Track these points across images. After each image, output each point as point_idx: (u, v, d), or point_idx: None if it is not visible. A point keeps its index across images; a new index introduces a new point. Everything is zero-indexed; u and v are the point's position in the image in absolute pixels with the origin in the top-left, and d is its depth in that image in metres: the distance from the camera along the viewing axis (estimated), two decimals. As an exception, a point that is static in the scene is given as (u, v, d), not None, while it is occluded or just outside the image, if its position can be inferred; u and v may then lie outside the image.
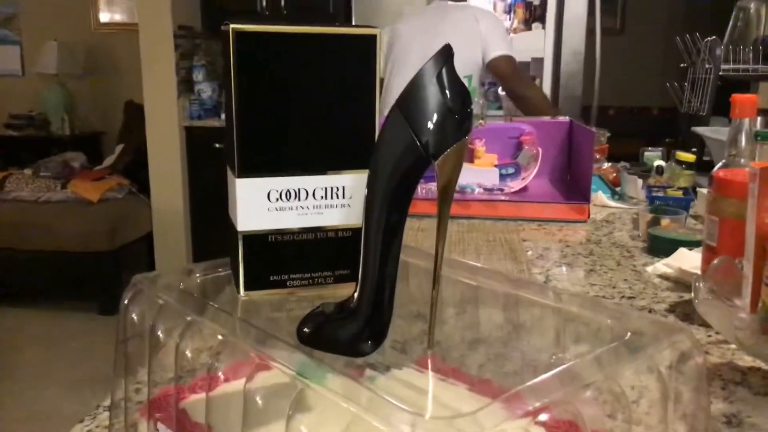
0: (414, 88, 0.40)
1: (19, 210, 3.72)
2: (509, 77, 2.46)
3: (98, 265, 3.57)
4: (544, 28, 3.07)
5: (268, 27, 0.48)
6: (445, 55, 0.40)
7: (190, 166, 3.77)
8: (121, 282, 3.60)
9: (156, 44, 3.61)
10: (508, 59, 2.43)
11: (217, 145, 3.60)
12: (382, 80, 2.54)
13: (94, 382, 2.81)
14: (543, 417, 0.39)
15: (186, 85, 3.78)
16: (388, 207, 0.41)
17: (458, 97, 0.40)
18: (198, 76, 3.81)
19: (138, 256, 3.86)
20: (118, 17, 4.90)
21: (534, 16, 3.15)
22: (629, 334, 0.49)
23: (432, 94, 0.40)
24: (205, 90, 3.82)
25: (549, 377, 0.42)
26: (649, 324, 0.50)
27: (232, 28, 0.47)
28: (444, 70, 0.40)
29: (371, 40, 0.50)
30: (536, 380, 0.41)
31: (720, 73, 1.75)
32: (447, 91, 0.40)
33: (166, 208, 3.78)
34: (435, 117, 0.40)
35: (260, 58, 0.48)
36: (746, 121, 0.98)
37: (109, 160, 4.34)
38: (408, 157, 0.40)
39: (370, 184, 0.41)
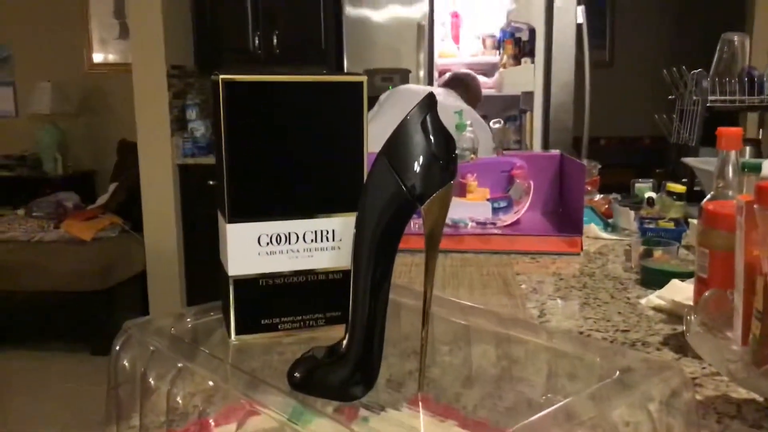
0: (399, 135, 0.41)
1: (12, 250, 3.70)
2: None
3: (91, 305, 3.55)
4: (533, 62, 3.11)
5: (256, 77, 0.49)
6: (429, 102, 0.41)
7: (184, 203, 3.78)
8: (114, 322, 3.57)
9: (149, 84, 3.64)
10: None
11: (211, 183, 3.61)
12: None
13: (85, 425, 2.77)
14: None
15: (179, 123, 3.81)
16: (376, 252, 0.41)
17: (443, 142, 0.41)
18: (191, 114, 3.84)
19: (131, 296, 3.84)
20: (111, 57, 4.95)
21: (523, 51, 3.20)
22: (619, 371, 0.49)
23: (417, 141, 0.41)
24: (199, 128, 3.84)
25: (543, 416, 0.42)
26: (639, 361, 0.50)
27: (222, 78, 0.48)
28: (428, 117, 0.41)
29: (359, 87, 0.51)
30: (531, 419, 0.41)
31: (707, 105, 1.77)
32: (431, 137, 0.41)
33: (160, 247, 3.77)
34: (420, 163, 0.41)
35: (249, 107, 0.49)
36: (732, 153, 0.99)
37: (102, 199, 4.34)
38: (394, 202, 0.41)
39: (358, 230, 0.42)
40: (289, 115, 0.50)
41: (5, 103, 5.10)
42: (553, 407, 0.44)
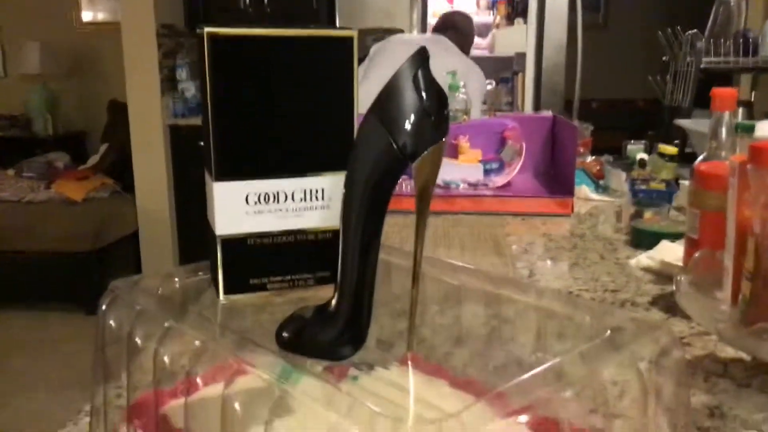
0: (390, 91, 0.40)
1: (2, 211, 3.68)
2: None
3: (83, 266, 3.55)
4: (526, 23, 3.08)
5: (242, 30, 0.48)
6: (421, 57, 0.40)
7: (175, 164, 3.75)
8: (107, 282, 3.56)
9: (139, 43, 3.59)
10: None
11: (202, 143, 3.57)
12: None
13: (81, 385, 2.79)
14: (526, 416, 0.39)
15: (169, 83, 3.76)
16: (366, 210, 0.41)
17: (435, 98, 0.40)
18: (181, 74, 3.79)
19: (124, 256, 3.83)
20: (101, 16, 4.86)
21: (516, 11, 3.16)
22: (609, 330, 0.49)
23: (408, 96, 0.40)
24: (189, 88, 3.80)
25: (532, 375, 0.42)
26: (628, 320, 0.50)
27: (207, 32, 0.47)
28: (420, 72, 0.40)
29: (349, 41, 0.50)
30: (520, 378, 0.41)
31: (702, 66, 1.76)
32: (423, 93, 0.40)
33: (152, 207, 3.75)
34: (411, 119, 0.40)
35: (236, 62, 0.48)
36: (726, 114, 0.98)
37: (93, 160, 4.30)
38: (385, 159, 0.40)
39: (348, 188, 0.41)
40: (277, 70, 0.49)
41: (-7, 62, 5.02)
42: (542, 366, 0.44)
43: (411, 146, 0.40)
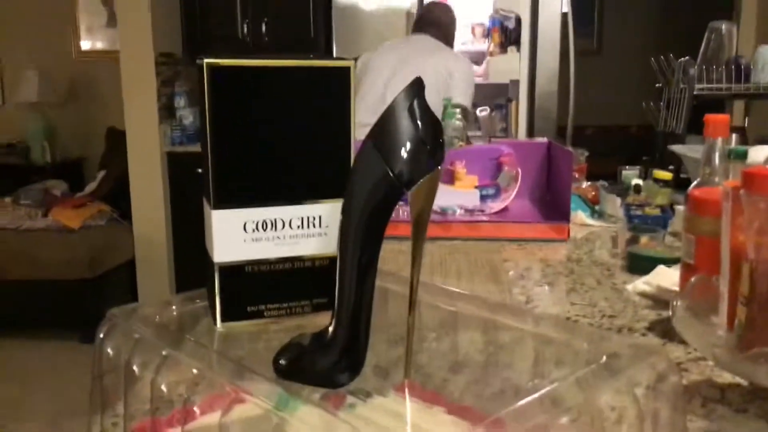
0: (386, 120, 0.41)
1: (0, 239, 3.68)
2: None
3: (80, 293, 3.53)
4: (519, 51, 3.12)
5: (241, 61, 0.48)
6: (417, 87, 0.41)
7: (173, 191, 3.76)
8: (103, 310, 3.55)
9: (138, 71, 3.61)
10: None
11: (200, 170, 3.58)
12: None
13: (74, 414, 2.76)
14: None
15: (167, 111, 3.79)
16: (363, 237, 0.41)
17: (430, 128, 0.41)
18: (180, 102, 3.81)
19: (120, 284, 3.82)
20: (99, 45, 4.90)
21: (510, 39, 3.20)
22: (606, 356, 0.49)
23: (404, 126, 0.40)
24: (187, 116, 3.82)
25: (529, 402, 0.42)
26: (625, 346, 0.51)
27: (206, 63, 0.48)
28: (416, 102, 0.40)
29: (345, 71, 0.51)
30: (517, 405, 0.42)
31: (695, 93, 1.78)
32: (419, 122, 0.41)
33: (149, 234, 3.75)
34: (407, 147, 0.41)
35: (235, 92, 0.49)
36: (719, 140, 0.99)
37: (90, 187, 4.31)
38: (381, 188, 0.41)
39: (344, 216, 0.42)
40: (276, 100, 0.50)
41: (-9, 91, 5.05)
42: (539, 393, 0.44)
43: (407, 174, 0.41)
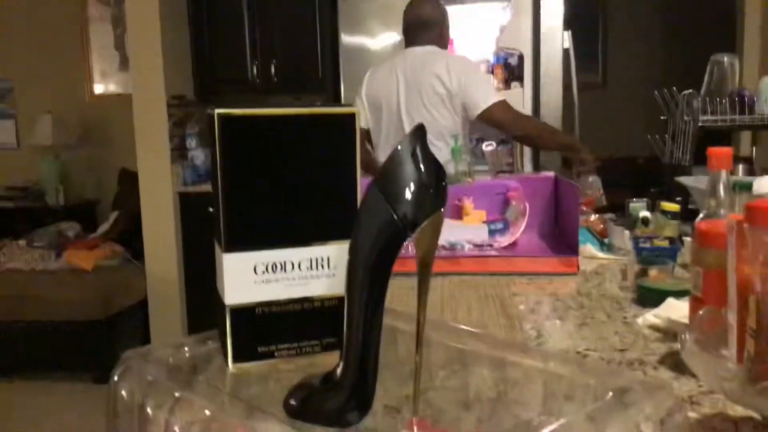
0: (391, 165, 0.42)
1: (14, 281, 3.71)
2: (506, 124, 2.42)
3: (93, 334, 3.54)
4: (522, 86, 3.15)
5: (250, 110, 0.50)
6: (419, 133, 0.42)
7: (185, 231, 3.79)
8: (116, 351, 3.56)
9: (149, 114, 3.67)
10: (499, 105, 2.39)
11: (211, 209, 3.61)
12: (368, 132, 2.55)
13: (89, 455, 2.75)
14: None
15: (179, 152, 3.84)
16: (369, 279, 0.42)
17: (432, 171, 0.42)
18: (191, 143, 3.87)
19: (133, 324, 3.83)
20: (112, 88, 4.99)
21: (513, 75, 3.24)
22: (614, 392, 0.50)
23: (407, 170, 0.42)
24: (198, 156, 3.87)
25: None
26: (634, 381, 0.51)
27: (217, 113, 0.49)
28: (418, 148, 0.42)
29: (350, 118, 0.53)
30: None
31: (699, 124, 1.79)
32: (422, 167, 0.42)
33: (161, 275, 3.77)
34: (411, 191, 0.42)
35: (245, 139, 0.50)
36: (723, 172, 1.00)
37: (103, 228, 4.35)
38: (386, 230, 0.42)
39: (351, 258, 0.43)
40: (284, 147, 0.51)
41: (7, 134, 5.14)
42: (548, 429, 0.44)
43: (411, 216, 0.42)
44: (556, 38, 3.11)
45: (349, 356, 0.43)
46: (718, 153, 1.00)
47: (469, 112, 2.38)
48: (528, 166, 3.08)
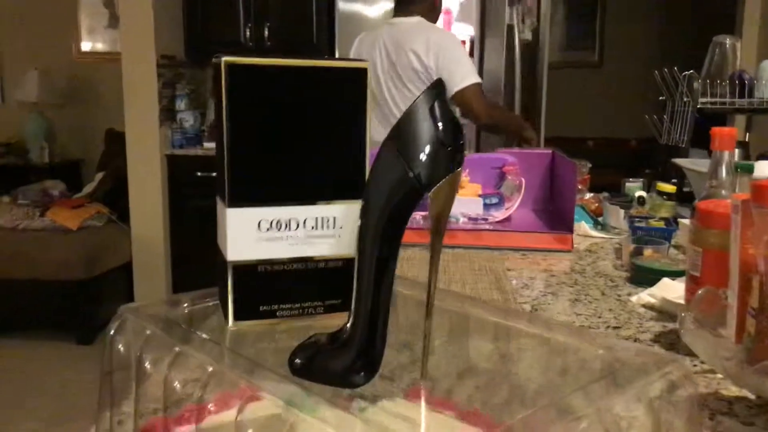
0: (407, 122, 0.41)
1: (-3, 238, 3.67)
2: (475, 111, 2.37)
3: (76, 294, 3.52)
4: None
5: (260, 60, 0.48)
6: (438, 89, 0.41)
7: (171, 194, 3.75)
8: (99, 312, 3.54)
9: (139, 73, 3.61)
10: (474, 89, 2.34)
11: (199, 174, 3.59)
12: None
13: (70, 415, 2.75)
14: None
15: (168, 113, 3.78)
16: (381, 238, 0.41)
17: (450, 130, 0.41)
18: (180, 104, 3.81)
19: (117, 286, 3.81)
20: (100, 46, 4.90)
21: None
22: (620, 365, 0.49)
23: (425, 128, 0.40)
24: (188, 119, 3.82)
25: (540, 410, 0.42)
26: (639, 354, 0.50)
27: (224, 61, 0.47)
28: (437, 104, 0.40)
29: (362, 73, 0.51)
30: (528, 413, 0.41)
31: (698, 106, 1.78)
32: (439, 124, 0.40)
33: (146, 237, 3.74)
34: (427, 149, 0.40)
35: (252, 91, 0.48)
36: (726, 153, 1.00)
37: (88, 188, 4.30)
38: (401, 189, 0.40)
39: (364, 216, 0.41)
40: (292, 100, 0.50)
41: (-9, 89, 5.04)
42: (550, 400, 0.43)
43: (426, 176, 0.41)
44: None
45: (357, 316, 0.42)
46: (722, 133, 1.00)
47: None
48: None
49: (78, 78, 4.89)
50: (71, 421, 2.69)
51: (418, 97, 0.42)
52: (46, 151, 4.76)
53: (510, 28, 3.12)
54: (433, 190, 0.41)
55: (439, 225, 0.42)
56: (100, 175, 4.31)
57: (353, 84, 0.52)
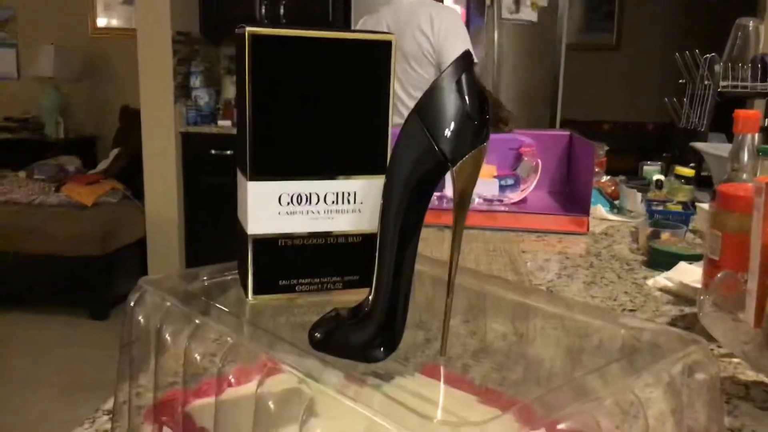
0: (433, 94, 0.40)
1: (12, 212, 3.69)
2: None
3: (90, 270, 3.55)
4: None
5: (284, 30, 0.48)
6: (465, 61, 0.40)
7: (186, 172, 3.76)
8: (113, 287, 3.58)
9: (154, 50, 3.61)
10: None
11: (213, 152, 3.59)
12: None
13: (83, 388, 2.79)
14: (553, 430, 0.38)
15: (183, 90, 3.78)
16: (405, 212, 0.40)
17: (477, 103, 0.40)
18: (195, 82, 3.81)
19: (130, 262, 3.84)
20: (115, 23, 4.90)
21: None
22: (640, 344, 0.48)
23: (451, 101, 0.40)
24: (202, 96, 3.81)
25: (560, 389, 0.42)
26: (661, 335, 0.50)
27: (248, 31, 0.47)
28: (464, 77, 0.40)
29: (387, 46, 0.50)
30: (547, 392, 0.41)
31: (719, 90, 1.76)
32: (466, 98, 0.40)
33: (160, 214, 3.76)
34: (453, 123, 0.40)
35: (275, 62, 0.48)
36: (749, 136, 0.98)
37: (103, 164, 4.32)
38: (425, 162, 0.40)
39: (387, 189, 0.41)
40: (316, 72, 0.49)
41: (7, 65, 5.06)
42: (570, 380, 0.43)
43: (452, 149, 0.40)
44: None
45: (379, 291, 0.41)
46: (746, 116, 0.98)
47: (441, 67, 2.35)
48: None
49: (93, 54, 4.90)
50: (83, 391, 2.72)
51: (445, 69, 0.41)
52: (61, 126, 4.78)
53: (490, 8, 3.11)
54: (458, 164, 0.40)
55: (464, 200, 0.41)
56: (115, 152, 4.33)
57: (378, 57, 0.51)
